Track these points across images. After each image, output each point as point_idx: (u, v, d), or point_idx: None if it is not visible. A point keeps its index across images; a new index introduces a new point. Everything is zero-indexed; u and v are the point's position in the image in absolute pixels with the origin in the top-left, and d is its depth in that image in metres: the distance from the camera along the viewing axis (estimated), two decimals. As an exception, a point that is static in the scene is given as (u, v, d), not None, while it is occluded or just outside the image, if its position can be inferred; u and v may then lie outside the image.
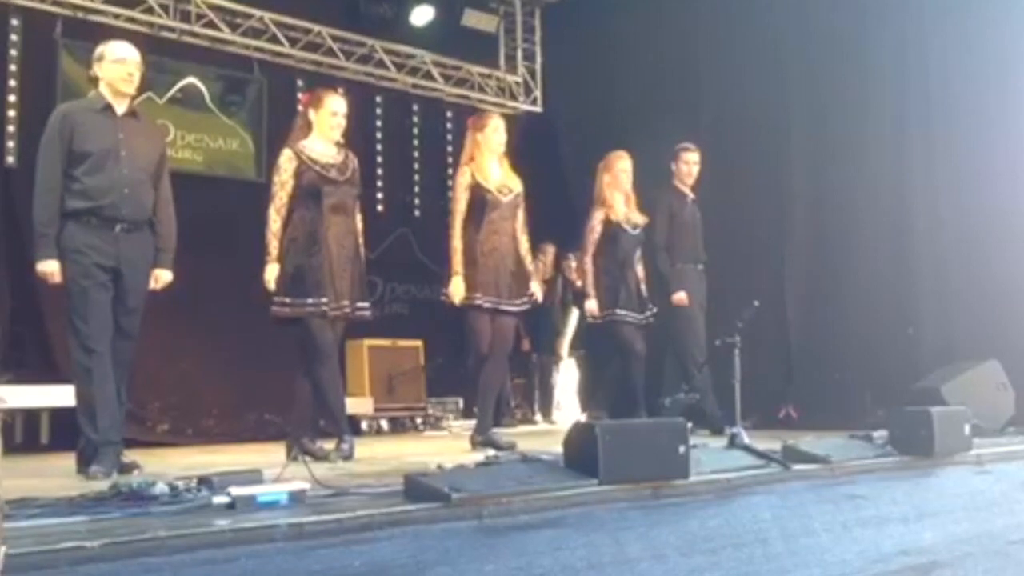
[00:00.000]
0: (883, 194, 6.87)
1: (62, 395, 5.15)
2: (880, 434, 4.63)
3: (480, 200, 5.26)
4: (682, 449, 3.24)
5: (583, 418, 7.53)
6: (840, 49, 7.08)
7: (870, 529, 3.49)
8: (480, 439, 5.26)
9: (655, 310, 6.20)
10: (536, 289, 5.52)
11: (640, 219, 6.22)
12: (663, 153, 6.76)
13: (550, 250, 8.85)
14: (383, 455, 5.12)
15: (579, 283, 7.08)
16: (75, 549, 2.02)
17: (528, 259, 5.52)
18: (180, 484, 2.78)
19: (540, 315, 8.87)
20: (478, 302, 5.20)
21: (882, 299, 6.78)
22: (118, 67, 4.17)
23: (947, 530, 3.72)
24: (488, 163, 5.35)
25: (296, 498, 2.72)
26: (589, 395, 8.17)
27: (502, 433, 5.65)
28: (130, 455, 4.20)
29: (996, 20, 6.27)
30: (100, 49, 4.25)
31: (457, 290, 5.18)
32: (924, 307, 6.64)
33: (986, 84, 6.31)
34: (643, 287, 6.21)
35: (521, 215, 5.48)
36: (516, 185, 5.43)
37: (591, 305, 6.13)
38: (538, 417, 9.11)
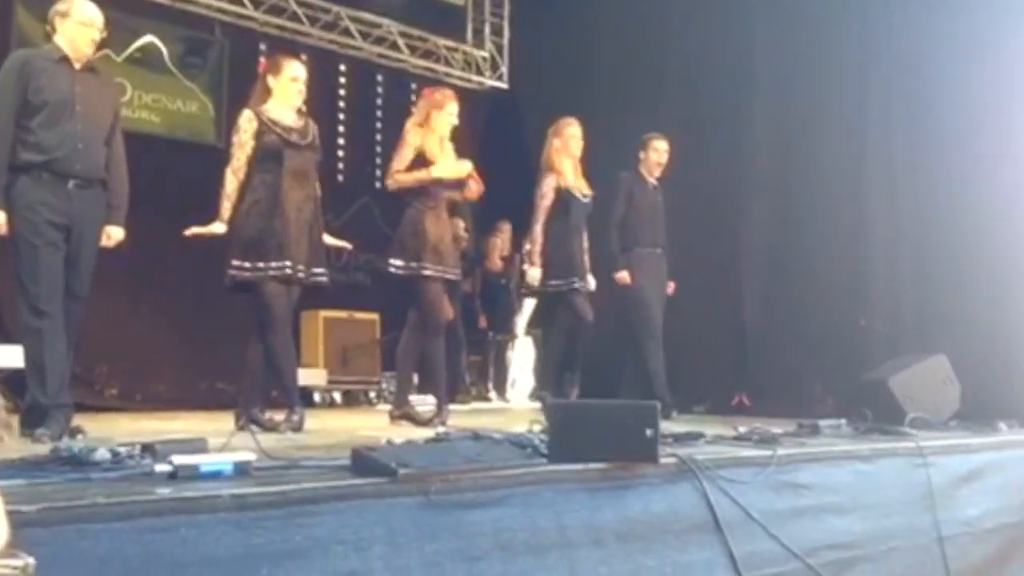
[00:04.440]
0: (841, 187, 6.94)
1: (9, 356, 5.06)
2: (828, 423, 4.72)
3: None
4: (649, 432, 3.18)
5: (534, 397, 7.57)
6: (806, 38, 7.13)
7: (805, 519, 3.54)
8: (398, 412, 5.28)
9: (593, 285, 6.18)
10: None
11: (587, 188, 6.19)
12: (627, 134, 6.77)
13: (507, 228, 8.86)
14: (334, 428, 5.10)
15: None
16: (11, 513, 1.97)
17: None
18: (122, 451, 2.75)
19: (497, 293, 8.91)
20: (428, 273, 5.20)
21: (836, 291, 6.87)
22: (83, 29, 4.10)
23: (879, 523, 3.80)
24: (434, 141, 5.33)
25: (241, 469, 2.69)
26: (540, 372, 8.21)
27: (453, 411, 5.65)
28: (76, 420, 4.13)
29: (961, 12, 6.32)
30: (64, 5, 4.14)
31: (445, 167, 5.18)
32: (876, 300, 6.75)
33: (947, 80, 6.37)
34: (586, 257, 6.19)
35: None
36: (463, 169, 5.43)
37: (534, 274, 6.04)
38: (492, 395, 9.13)
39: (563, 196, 6.05)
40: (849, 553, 3.60)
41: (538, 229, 6.08)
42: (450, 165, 5.28)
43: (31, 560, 0.70)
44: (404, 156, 5.26)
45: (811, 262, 7.00)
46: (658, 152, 6.54)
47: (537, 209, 6.11)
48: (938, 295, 6.30)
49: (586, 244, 6.23)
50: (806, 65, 7.11)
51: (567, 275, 6.03)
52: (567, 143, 6.12)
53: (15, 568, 0.68)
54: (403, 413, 5.27)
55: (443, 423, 4.99)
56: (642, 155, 6.58)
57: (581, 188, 6.15)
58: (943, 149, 6.34)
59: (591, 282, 6.16)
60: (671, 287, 6.59)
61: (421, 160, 5.24)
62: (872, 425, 4.80)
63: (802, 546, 3.42)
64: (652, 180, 6.61)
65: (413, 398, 5.60)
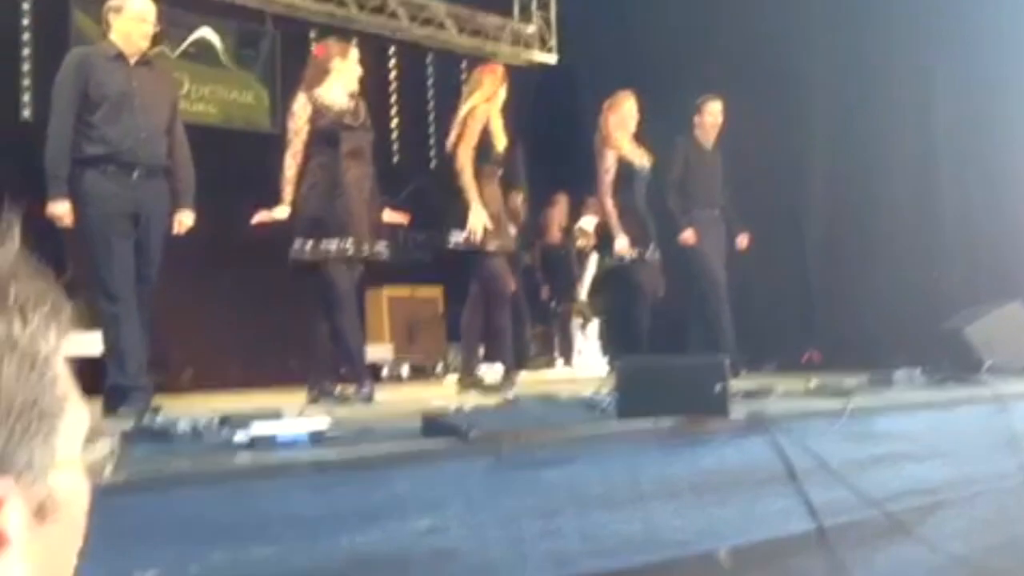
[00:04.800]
0: (907, 133, 6.79)
1: (88, 343, 5.21)
2: (902, 373, 4.64)
3: (485, 147, 5.25)
4: (719, 387, 3.20)
5: (606, 364, 7.57)
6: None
7: (883, 467, 3.49)
8: (468, 380, 5.31)
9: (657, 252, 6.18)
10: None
11: (646, 160, 6.19)
12: (680, 102, 6.71)
13: (563, 199, 8.86)
14: (403, 399, 5.18)
15: (596, 222, 7.04)
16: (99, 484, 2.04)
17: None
18: (202, 422, 2.82)
19: (558, 262, 8.91)
20: (492, 248, 5.23)
21: (907, 242, 6.73)
22: (137, 24, 4.21)
23: (960, 469, 3.71)
24: (496, 115, 5.34)
25: (316, 437, 2.75)
26: (607, 341, 8.20)
27: (519, 379, 5.69)
28: (155, 401, 4.25)
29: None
30: (117, 2, 4.24)
31: (479, 218, 5.14)
32: (949, 249, 6.60)
33: (1016, 19, 6.17)
34: (651, 227, 6.22)
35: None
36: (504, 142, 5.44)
37: (622, 243, 6.10)
38: (559, 364, 9.14)
39: (624, 168, 6.08)
40: (931, 499, 3.53)
41: (609, 202, 6.17)
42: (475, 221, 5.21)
43: (116, 439, 0.72)
44: (473, 132, 5.25)
45: (880, 214, 6.87)
46: (712, 114, 6.49)
47: (602, 184, 6.19)
48: (1011, 242, 6.15)
49: (644, 213, 6.24)
50: (868, 12, 6.93)
51: (634, 245, 6.09)
52: (623, 117, 6.14)
53: (101, 451, 0.69)
54: (471, 381, 5.31)
55: (511, 389, 5.02)
56: (696, 119, 6.54)
57: (640, 158, 6.15)
58: (1013, 91, 6.15)
59: (656, 253, 6.18)
60: (744, 241, 6.54)
61: (486, 136, 5.24)
62: (948, 374, 4.71)
63: (881, 494, 3.37)
64: (709, 143, 6.56)
65: (481, 367, 5.65)
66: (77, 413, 0.67)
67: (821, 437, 3.44)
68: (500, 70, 5.53)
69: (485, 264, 5.29)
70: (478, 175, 5.27)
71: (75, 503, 0.66)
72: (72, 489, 0.66)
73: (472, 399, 4.54)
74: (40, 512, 0.62)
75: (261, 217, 4.74)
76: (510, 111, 5.61)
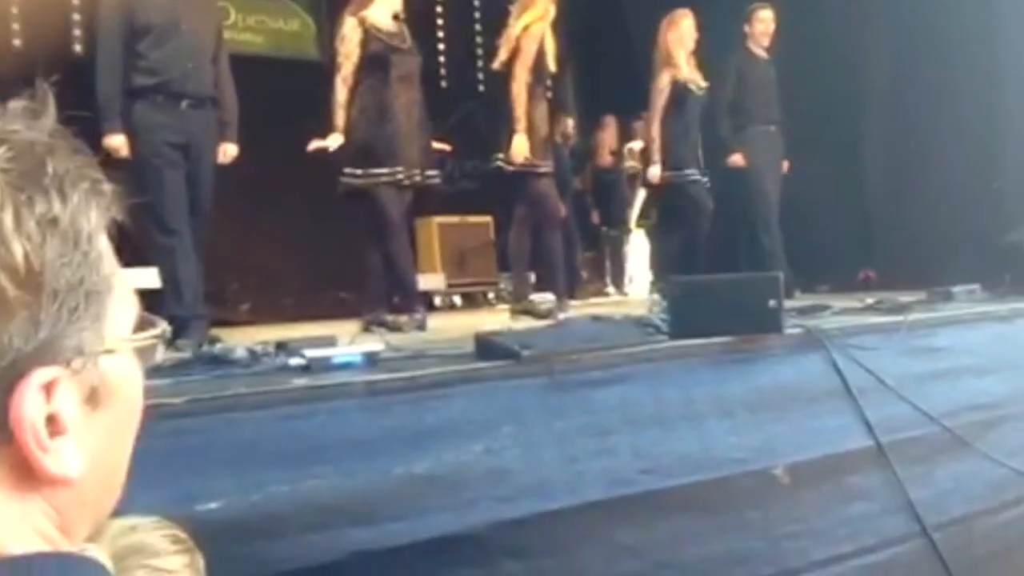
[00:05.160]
0: (970, 48, 6.50)
1: (143, 277, 5.30)
2: (962, 288, 4.55)
3: (539, 66, 5.16)
4: (773, 303, 3.14)
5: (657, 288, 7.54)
6: None
7: (942, 382, 3.44)
8: (518, 307, 5.31)
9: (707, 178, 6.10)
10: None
11: (702, 80, 6.07)
12: (733, 11, 6.52)
13: (612, 122, 8.73)
14: (456, 326, 5.19)
15: (644, 152, 6.97)
16: (160, 406, 2.10)
17: None
18: (259, 349, 2.87)
19: (609, 187, 8.83)
20: (543, 169, 5.18)
21: (965, 153, 6.50)
22: None
23: (1021, 383, 3.65)
24: (550, 33, 5.25)
25: (370, 359, 2.79)
26: (658, 264, 8.14)
27: (572, 305, 5.68)
28: (213, 333, 4.33)
29: None
30: None
31: (522, 148, 5.10)
32: (1009, 159, 6.37)
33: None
34: (700, 150, 6.12)
35: None
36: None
37: (654, 171, 6.05)
38: (610, 289, 9.13)
39: (678, 91, 5.98)
40: (991, 414, 3.48)
41: (656, 127, 6.06)
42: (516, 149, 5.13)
43: (166, 325, 0.71)
44: (528, 52, 5.14)
45: (937, 124, 6.62)
46: (764, 22, 6.31)
47: (653, 106, 6.08)
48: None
49: (697, 136, 6.14)
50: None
51: (684, 167, 6.01)
52: (682, 35, 6.01)
53: (152, 333, 0.68)
54: (523, 307, 5.32)
55: (563, 314, 5.02)
56: (747, 28, 6.37)
57: (696, 80, 6.03)
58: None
59: (707, 179, 6.09)
60: (785, 166, 6.42)
61: (540, 55, 5.16)
62: (1009, 288, 4.60)
63: (940, 409, 3.33)
64: (762, 54, 6.38)
65: (533, 296, 5.64)
66: (124, 294, 0.66)
67: (878, 353, 3.41)
68: None
69: (534, 185, 5.24)
70: (530, 96, 5.19)
71: (128, 387, 0.65)
72: (124, 374, 0.65)
73: (524, 324, 4.56)
74: (93, 398, 0.62)
75: (316, 145, 4.71)
76: (560, 30, 5.49)
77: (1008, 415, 3.53)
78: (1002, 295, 4.50)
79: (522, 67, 5.15)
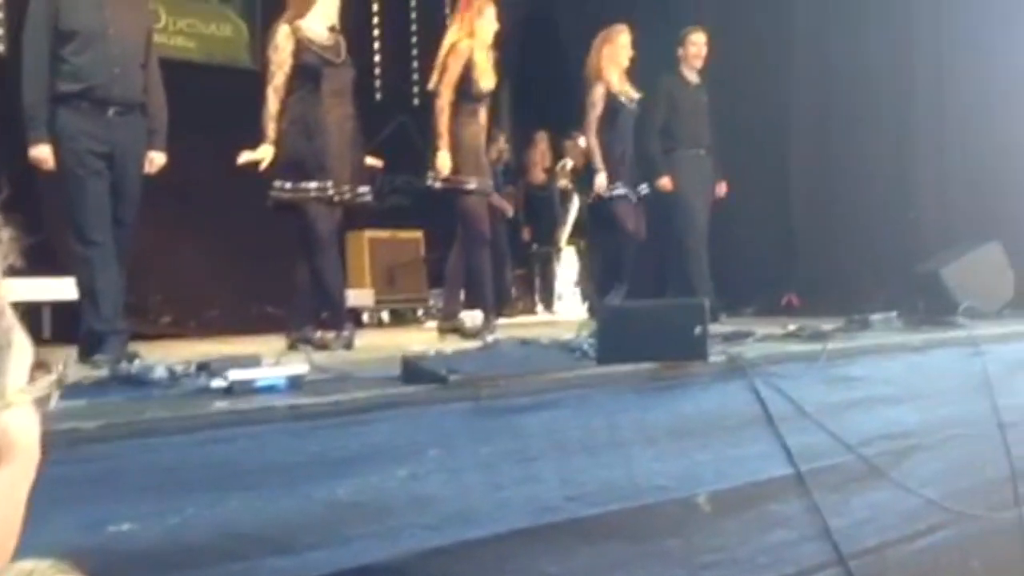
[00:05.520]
0: (888, 75, 6.72)
1: (63, 288, 5.16)
2: (879, 316, 4.67)
3: (469, 85, 5.16)
4: (698, 330, 3.18)
5: (586, 308, 7.59)
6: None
7: (859, 411, 3.53)
8: (446, 325, 5.30)
9: (646, 189, 6.16)
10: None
11: (634, 93, 6.12)
12: (666, 34, 6.62)
13: (543, 139, 8.78)
14: (383, 344, 5.15)
15: (575, 172, 7.03)
16: (73, 430, 2.04)
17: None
18: (179, 369, 2.81)
19: (540, 205, 8.86)
20: (471, 187, 5.18)
21: (884, 184, 6.70)
22: None
23: (934, 413, 3.76)
24: (480, 48, 5.24)
25: (294, 382, 2.74)
26: (587, 283, 8.21)
27: (500, 324, 5.69)
28: (132, 347, 4.21)
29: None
30: None
31: (445, 164, 5.11)
32: (925, 190, 6.58)
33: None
34: (632, 164, 6.16)
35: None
36: (492, 78, 5.34)
37: (601, 179, 6.03)
38: (539, 308, 9.15)
39: (612, 104, 6.01)
40: (905, 443, 3.58)
41: (593, 138, 6.08)
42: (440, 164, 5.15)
43: (61, 367, 0.69)
44: (453, 71, 5.16)
45: (858, 156, 6.82)
46: (696, 45, 6.41)
47: (588, 119, 6.09)
48: (989, 181, 6.13)
49: (631, 151, 6.18)
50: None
51: (614, 181, 6.03)
52: (617, 51, 6.04)
53: (48, 381, 0.67)
54: (451, 326, 5.31)
55: (491, 334, 5.02)
56: (680, 51, 6.46)
57: (628, 93, 6.08)
58: (991, 27, 6.09)
59: (641, 189, 6.12)
60: (722, 187, 6.53)
61: (469, 73, 5.16)
62: (924, 317, 4.74)
63: (857, 437, 3.41)
64: (694, 78, 6.49)
65: (462, 313, 5.64)
66: (22, 345, 0.65)
67: (798, 381, 3.48)
68: (480, 4, 5.38)
69: (462, 203, 5.24)
70: (458, 113, 5.20)
71: (26, 438, 0.64)
72: (22, 426, 0.64)
73: (452, 344, 4.55)
74: None
75: (246, 158, 4.61)
76: (498, 46, 5.49)
77: (921, 445, 3.63)
78: (917, 324, 4.63)
79: (446, 85, 5.17)
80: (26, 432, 0.65)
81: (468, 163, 5.18)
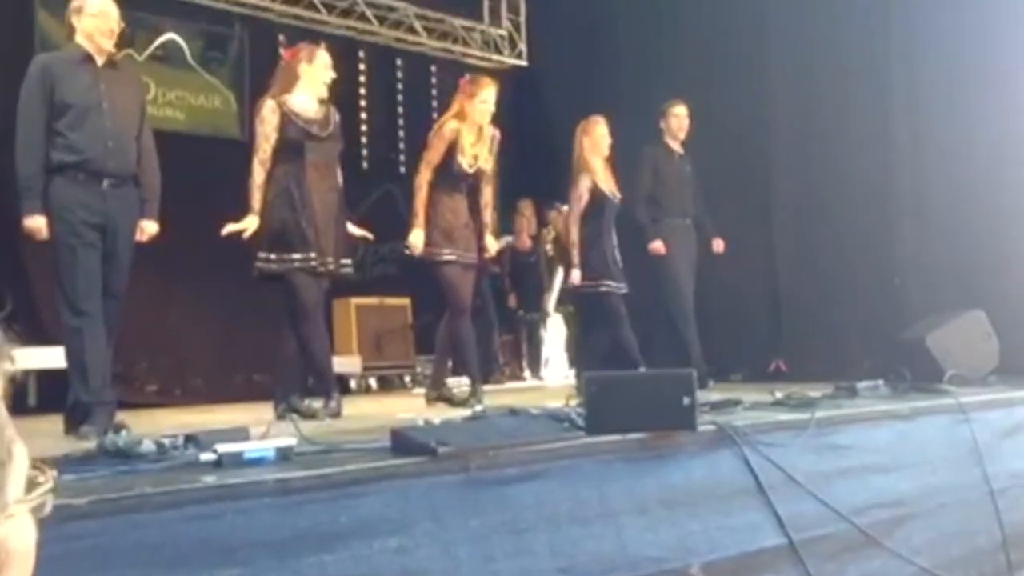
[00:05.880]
0: (868, 144, 6.85)
1: (50, 357, 5.13)
2: (866, 384, 4.69)
3: (452, 165, 5.25)
4: (687, 400, 3.19)
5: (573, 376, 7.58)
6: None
7: (849, 480, 3.53)
8: (434, 394, 5.30)
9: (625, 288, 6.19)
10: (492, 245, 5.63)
11: (617, 189, 6.20)
12: (648, 107, 6.74)
13: (529, 205, 8.87)
14: (371, 412, 5.14)
15: (557, 243, 7.12)
16: (62, 507, 2.01)
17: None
18: (167, 442, 2.79)
19: (526, 271, 8.91)
20: (445, 258, 5.22)
21: (868, 251, 6.79)
22: (98, 21, 4.12)
23: (924, 480, 3.77)
24: (470, 130, 5.32)
25: (283, 454, 2.73)
26: (576, 354, 8.21)
27: (488, 390, 5.69)
28: (118, 416, 4.18)
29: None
30: (77, 2, 4.19)
31: (417, 241, 5.19)
32: (909, 258, 6.67)
33: (974, 30, 6.25)
34: (617, 254, 6.18)
35: (488, 192, 5.50)
36: (485, 160, 5.40)
37: (575, 276, 6.09)
38: (527, 374, 9.15)
39: (597, 196, 6.07)
40: (898, 511, 3.58)
41: (575, 231, 6.12)
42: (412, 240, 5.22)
43: (54, 473, 0.70)
44: (437, 150, 5.26)
45: (841, 223, 6.93)
46: (678, 118, 6.53)
47: (573, 210, 6.16)
48: (972, 249, 6.22)
49: (615, 242, 6.21)
50: (825, 21, 7.00)
51: (601, 277, 6.05)
52: (596, 142, 6.13)
53: (44, 490, 0.68)
54: (439, 395, 5.30)
55: (478, 403, 5.00)
56: (663, 124, 6.57)
57: (611, 187, 6.15)
58: (971, 96, 6.23)
59: (623, 286, 6.16)
60: (719, 244, 6.58)
61: (452, 153, 5.24)
62: (910, 384, 4.76)
63: (849, 506, 3.41)
64: (678, 149, 6.59)
65: (449, 380, 5.62)
66: (21, 455, 0.66)
67: (788, 449, 3.48)
68: (469, 85, 5.45)
69: (440, 274, 5.28)
70: (440, 190, 5.25)
71: (24, 545, 0.65)
72: (21, 535, 0.65)
73: (440, 413, 4.53)
74: None
75: (230, 229, 4.65)
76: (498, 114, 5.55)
77: (914, 513, 3.62)
78: (904, 391, 4.65)
79: (426, 164, 5.28)
80: (24, 540, 0.66)
81: (446, 235, 5.23)
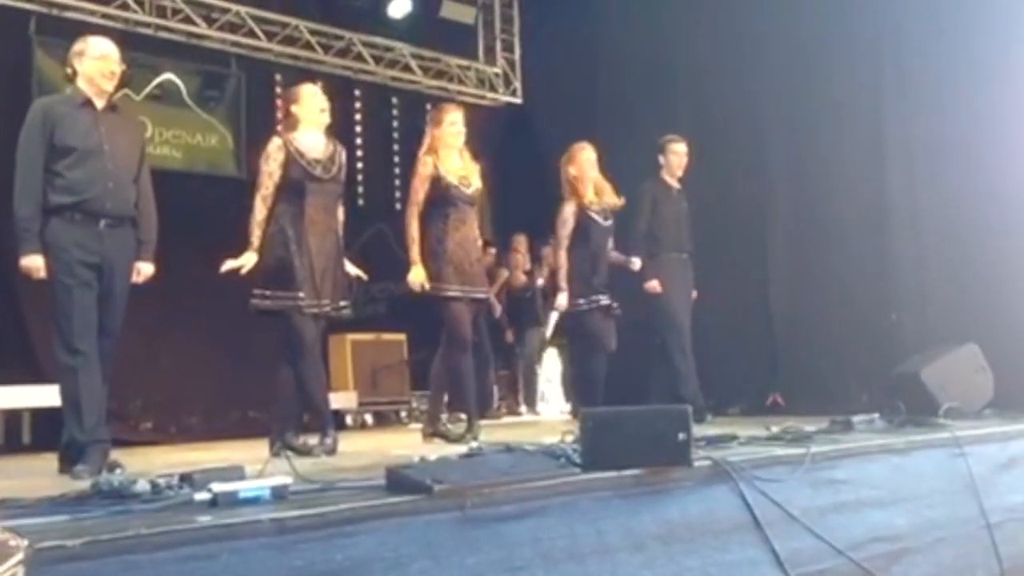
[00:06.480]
0: (863, 181, 6.90)
1: (44, 395, 5.13)
2: (861, 418, 4.69)
3: (443, 192, 5.25)
4: (682, 436, 3.20)
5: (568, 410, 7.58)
6: (819, 38, 7.10)
7: (846, 514, 3.52)
8: (430, 431, 5.29)
9: (618, 307, 6.19)
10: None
11: (613, 203, 6.19)
12: (642, 144, 6.78)
13: (523, 241, 8.91)
14: (367, 449, 5.13)
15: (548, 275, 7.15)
16: (56, 548, 2.01)
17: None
18: (162, 482, 2.77)
19: (522, 306, 8.93)
20: (452, 294, 5.21)
21: (864, 286, 6.82)
22: (99, 64, 4.16)
23: (921, 515, 3.76)
24: (449, 156, 5.34)
25: (278, 493, 2.72)
26: (568, 387, 8.22)
27: (484, 426, 5.67)
28: (113, 454, 4.17)
29: (977, 9, 6.30)
30: (79, 45, 4.23)
31: (417, 278, 5.19)
32: (905, 292, 6.68)
33: (966, 71, 6.32)
34: (606, 276, 6.16)
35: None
36: (476, 180, 5.43)
37: (561, 299, 6.08)
38: (523, 408, 9.14)
39: (583, 222, 6.09)
40: (896, 546, 3.56)
41: (562, 255, 6.13)
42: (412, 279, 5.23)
43: (25, 542, 0.71)
44: (417, 189, 5.28)
45: (837, 258, 6.96)
46: (677, 155, 6.56)
47: (558, 235, 6.16)
48: (967, 284, 6.24)
49: (604, 262, 6.20)
50: (818, 59, 7.08)
51: (582, 295, 6.05)
52: (582, 168, 6.13)
53: (15, 562, 0.69)
54: (435, 431, 5.29)
55: (475, 439, 4.99)
56: (662, 159, 6.59)
57: (606, 208, 6.15)
58: (964, 135, 6.27)
59: (606, 299, 6.13)
60: (693, 295, 6.60)
61: (439, 185, 5.26)
62: (906, 418, 4.76)
63: (846, 541, 3.40)
64: (675, 184, 6.63)
65: (444, 417, 5.61)
66: None
67: (784, 484, 3.47)
68: (436, 114, 5.48)
69: (443, 309, 5.28)
70: (445, 222, 5.26)
71: None
72: None
73: (436, 449, 4.52)
74: None
75: (229, 265, 4.65)
76: (474, 149, 5.58)
77: (911, 548, 3.61)
78: (900, 425, 4.65)
79: (410, 203, 5.30)
80: None
81: (457, 271, 5.23)
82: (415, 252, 5.22)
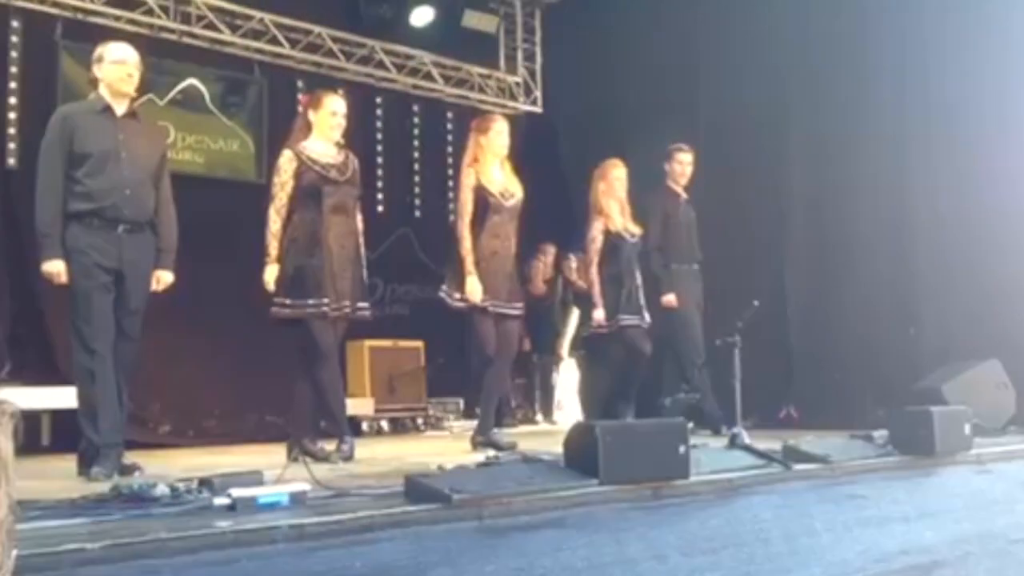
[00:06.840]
0: (883, 193, 6.86)
1: (63, 397, 5.15)
2: (880, 434, 4.64)
3: (483, 203, 5.27)
4: (682, 449, 3.25)
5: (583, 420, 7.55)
6: (839, 47, 7.08)
7: (871, 529, 3.49)
8: (481, 439, 5.27)
9: (649, 320, 6.21)
10: None
11: (636, 228, 6.27)
12: (662, 153, 6.77)
13: (551, 250, 8.88)
14: (384, 456, 5.13)
15: (580, 284, 7.17)
16: (76, 551, 2.02)
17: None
18: (181, 486, 2.78)
19: (540, 315, 8.90)
20: (483, 305, 5.21)
21: (882, 299, 6.77)
22: (117, 68, 4.19)
23: (948, 529, 3.72)
24: (491, 166, 5.36)
25: (297, 499, 2.73)
26: (585, 398, 8.19)
27: (503, 433, 5.66)
28: (131, 457, 4.20)
29: (995, 18, 6.26)
30: (99, 50, 4.26)
31: (475, 291, 5.17)
32: (924, 307, 6.63)
33: (985, 82, 6.30)
34: (640, 294, 6.22)
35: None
36: (518, 190, 5.45)
37: (598, 315, 6.16)
38: (539, 417, 9.11)
39: (612, 239, 6.13)
40: (927, 558, 3.52)
41: (594, 271, 6.20)
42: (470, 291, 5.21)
43: (15, 551, 0.71)
44: (465, 205, 5.28)
45: (855, 272, 6.91)
46: (682, 164, 6.58)
47: (589, 252, 6.24)
48: (987, 300, 6.19)
49: (639, 281, 6.25)
50: (840, 70, 7.05)
51: (617, 313, 6.10)
52: (612, 185, 6.19)
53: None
54: (487, 440, 5.25)
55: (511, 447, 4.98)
56: (667, 167, 6.63)
57: (630, 228, 6.19)
58: (986, 153, 6.25)
59: (646, 317, 6.18)
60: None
61: (483, 197, 5.27)
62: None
63: (875, 553, 3.36)
64: (682, 194, 6.62)
65: (457, 424, 5.62)
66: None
67: (804, 498, 3.45)
68: (482, 123, 5.51)
69: (472, 322, 5.29)
70: (483, 233, 5.25)
71: None
72: None
73: (453, 457, 4.51)
74: None
75: (269, 285, 4.71)
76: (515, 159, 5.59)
77: (942, 561, 3.56)
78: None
79: (458, 215, 5.34)
80: None
81: (488, 285, 5.23)
82: (470, 263, 5.21)
